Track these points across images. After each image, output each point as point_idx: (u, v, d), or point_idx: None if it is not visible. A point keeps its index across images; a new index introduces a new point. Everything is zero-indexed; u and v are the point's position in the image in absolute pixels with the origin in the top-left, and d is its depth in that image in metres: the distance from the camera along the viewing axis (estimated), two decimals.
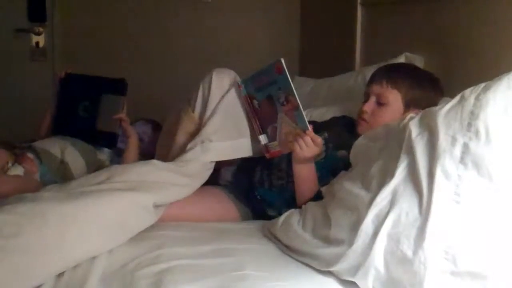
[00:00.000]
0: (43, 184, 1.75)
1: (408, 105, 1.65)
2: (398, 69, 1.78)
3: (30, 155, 1.85)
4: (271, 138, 1.71)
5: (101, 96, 2.02)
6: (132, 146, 1.99)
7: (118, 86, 1.99)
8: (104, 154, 2.04)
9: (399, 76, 1.68)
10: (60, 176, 1.85)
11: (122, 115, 1.99)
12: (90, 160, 1.95)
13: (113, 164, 1.99)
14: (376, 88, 1.69)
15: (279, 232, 1.46)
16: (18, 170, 1.79)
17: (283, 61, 1.58)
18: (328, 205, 1.36)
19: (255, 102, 1.74)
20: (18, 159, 1.82)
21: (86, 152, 1.95)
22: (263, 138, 1.73)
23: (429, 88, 1.69)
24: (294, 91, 1.57)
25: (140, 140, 2.13)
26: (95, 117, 2.03)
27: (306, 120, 1.58)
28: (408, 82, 1.67)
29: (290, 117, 1.61)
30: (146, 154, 2.08)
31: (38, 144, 1.92)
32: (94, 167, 1.94)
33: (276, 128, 1.68)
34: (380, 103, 1.68)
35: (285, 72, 1.58)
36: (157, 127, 2.24)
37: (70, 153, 1.90)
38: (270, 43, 3.27)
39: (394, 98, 1.66)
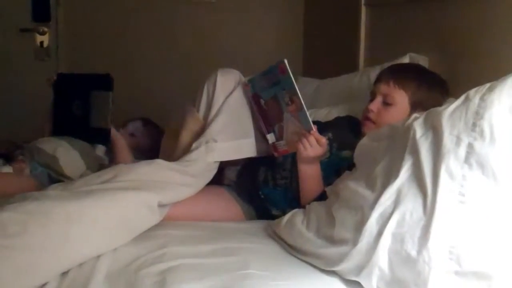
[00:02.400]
0: (34, 176, 1.90)
1: (414, 106, 1.64)
2: (406, 69, 1.77)
3: (20, 157, 1.96)
4: (279, 137, 1.71)
5: (90, 93, 2.03)
6: (120, 150, 2.01)
7: (104, 82, 1.99)
8: (100, 150, 2.07)
9: (407, 76, 1.68)
10: (51, 170, 1.91)
11: None
12: (87, 155, 1.96)
13: (110, 160, 2.05)
14: (383, 87, 1.69)
15: (283, 231, 1.46)
16: (6, 169, 1.90)
17: (286, 61, 1.58)
18: (332, 204, 1.36)
19: (262, 101, 1.74)
20: (9, 161, 1.95)
21: (83, 148, 1.97)
22: (270, 137, 1.74)
23: (436, 90, 1.68)
24: (298, 91, 1.57)
25: (133, 135, 2.25)
26: (88, 114, 2.03)
27: (310, 120, 1.58)
28: (416, 83, 1.66)
29: (295, 117, 1.61)
30: (141, 148, 2.20)
31: (35, 143, 1.98)
32: (95, 164, 1.96)
33: (283, 127, 1.68)
34: (386, 103, 1.67)
35: (289, 73, 1.58)
36: (147, 122, 2.33)
37: (63, 149, 1.93)
38: (274, 43, 3.27)
39: (401, 98, 1.66)
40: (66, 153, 1.91)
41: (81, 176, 1.83)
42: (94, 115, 2.02)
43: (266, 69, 1.68)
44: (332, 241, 1.26)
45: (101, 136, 2.02)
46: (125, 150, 2.02)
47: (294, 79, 1.59)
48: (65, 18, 3.07)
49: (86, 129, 2.03)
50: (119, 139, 2.04)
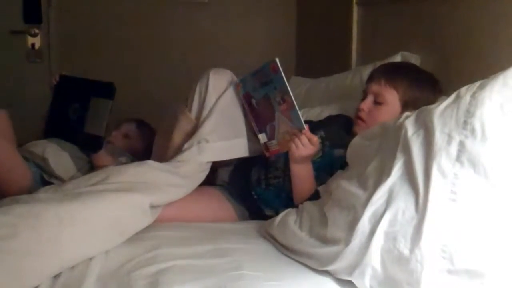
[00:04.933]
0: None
1: (406, 106, 1.64)
2: (398, 68, 1.77)
3: None
4: (270, 137, 1.71)
5: (90, 99, 2.01)
6: (100, 160, 1.99)
7: (106, 90, 1.97)
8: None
9: (398, 76, 1.68)
10: (44, 171, 1.91)
11: None
12: (77, 157, 1.96)
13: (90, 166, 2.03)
14: (374, 87, 1.69)
15: (276, 231, 1.46)
16: None
17: (278, 60, 1.58)
18: (324, 204, 1.36)
19: (253, 101, 1.73)
20: None
21: (72, 151, 1.96)
22: (262, 137, 1.73)
23: (428, 89, 1.68)
24: (290, 90, 1.57)
25: (127, 137, 2.25)
26: (83, 119, 2.02)
27: (302, 119, 1.58)
28: (407, 83, 1.66)
29: (287, 116, 1.60)
30: (135, 149, 2.20)
31: (26, 147, 1.97)
32: (86, 166, 1.96)
33: (275, 127, 1.68)
34: (377, 102, 1.68)
35: (280, 72, 1.58)
36: (141, 123, 2.32)
37: (52, 150, 1.92)
38: (267, 43, 3.27)
39: (392, 97, 1.66)
40: (56, 154, 1.91)
41: (72, 178, 1.82)
42: (90, 121, 2.00)
43: (258, 68, 1.67)
44: (325, 240, 1.26)
45: (93, 143, 2.00)
46: (105, 159, 2.00)
47: (286, 78, 1.58)
48: (57, 19, 3.05)
49: (79, 134, 2.02)
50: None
